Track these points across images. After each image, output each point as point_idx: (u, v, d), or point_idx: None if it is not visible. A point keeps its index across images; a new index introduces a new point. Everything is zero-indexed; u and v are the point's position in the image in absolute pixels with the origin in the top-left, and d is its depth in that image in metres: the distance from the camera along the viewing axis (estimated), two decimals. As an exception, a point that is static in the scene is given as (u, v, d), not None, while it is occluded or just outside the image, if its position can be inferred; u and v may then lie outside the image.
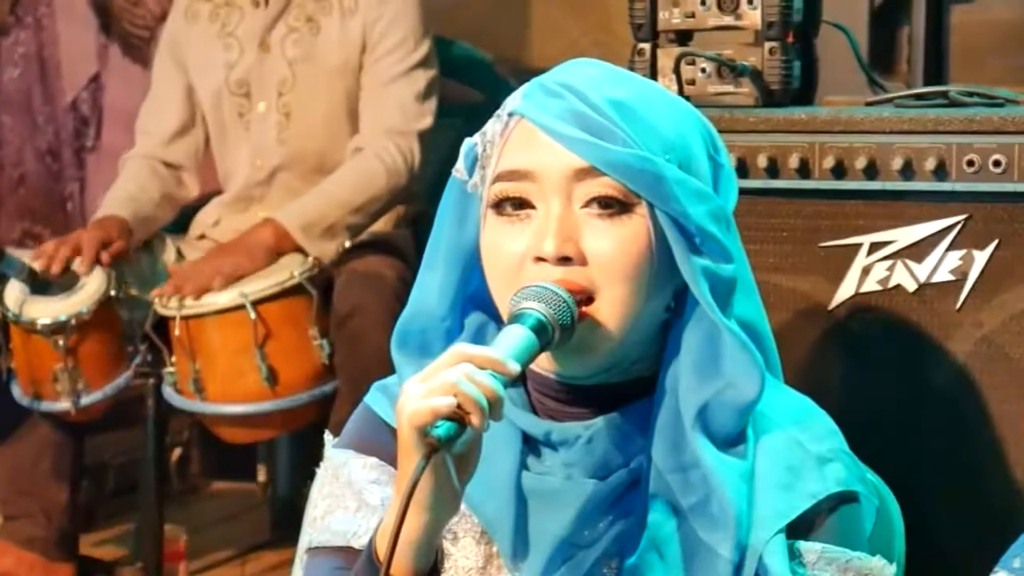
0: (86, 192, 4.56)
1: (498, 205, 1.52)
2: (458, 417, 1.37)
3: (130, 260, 3.54)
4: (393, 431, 1.57)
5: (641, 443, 1.54)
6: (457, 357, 1.41)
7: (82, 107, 4.55)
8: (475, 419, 1.38)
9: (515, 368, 1.42)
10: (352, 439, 1.63)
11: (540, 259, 1.49)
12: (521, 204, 1.52)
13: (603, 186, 1.49)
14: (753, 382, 1.52)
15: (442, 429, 1.37)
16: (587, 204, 1.50)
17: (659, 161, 1.50)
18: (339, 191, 3.45)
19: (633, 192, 1.49)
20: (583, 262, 1.49)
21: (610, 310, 1.49)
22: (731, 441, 1.52)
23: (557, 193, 1.50)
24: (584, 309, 1.49)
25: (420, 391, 1.39)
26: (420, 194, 3.58)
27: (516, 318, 1.46)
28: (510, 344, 1.44)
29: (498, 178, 1.53)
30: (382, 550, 1.44)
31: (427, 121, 3.52)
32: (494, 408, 1.39)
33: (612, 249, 1.49)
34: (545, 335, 1.45)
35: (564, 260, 1.49)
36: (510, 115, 1.54)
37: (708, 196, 1.53)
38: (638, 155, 1.49)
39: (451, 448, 1.38)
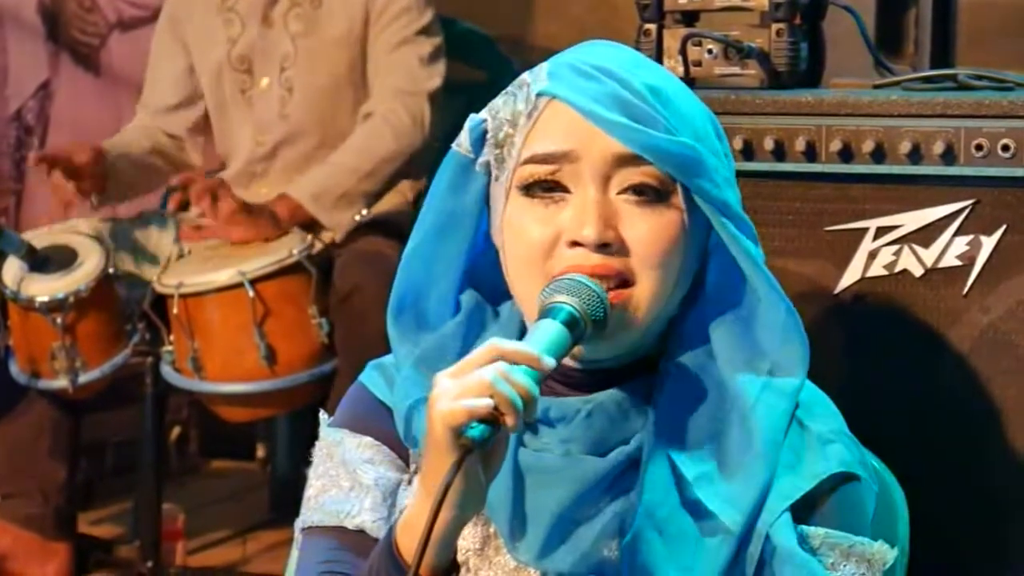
0: (23, 206, 4.46)
1: (528, 187, 1.51)
2: (493, 418, 1.36)
3: (128, 235, 3.53)
4: (387, 410, 1.58)
5: (640, 421, 1.53)
6: (492, 353, 1.39)
7: (27, 116, 4.45)
8: (510, 420, 1.37)
9: (550, 364, 1.41)
10: (347, 418, 1.62)
11: (576, 243, 1.48)
12: (553, 187, 1.50)
13: (642, 173, 1.49)
14: (800, 357, 1.52)
15: (477, 431, 1.35)
16: (624, 190, 1.49)
17: (699, 147, 1.50)
18: (347, 158, 3.45)
19: (671, 179, 1.49)
20: (622, 249, 1.49)
21: (644, 297, 1.49)
22: (779, 424, 1.51)
23: (595, 178, 1.49)
24: (617, 292, 1.48)
25: (454, 390, 1.37)
26: (423, 172, 3.57)
27: (548, 312, 1.45)
28: (543, 339, 1.43)
29: (530, 160, 1.51)
30: (403, 545, 1.44)
31: (436, 82, 3.52)
32: (529, 409, 1.38)
33: (651, 237, 1.49)
34: (577, 329, 1.45)
35: (602, 247, 1.48)
36: (538, 95, 1.52)
37: (734, 183, 1.54)
38: (681, 142, 1.49)
39: (484, 448, 1.37)
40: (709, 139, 1.53)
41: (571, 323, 1.44)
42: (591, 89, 1.50)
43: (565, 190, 1.50)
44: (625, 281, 1.49)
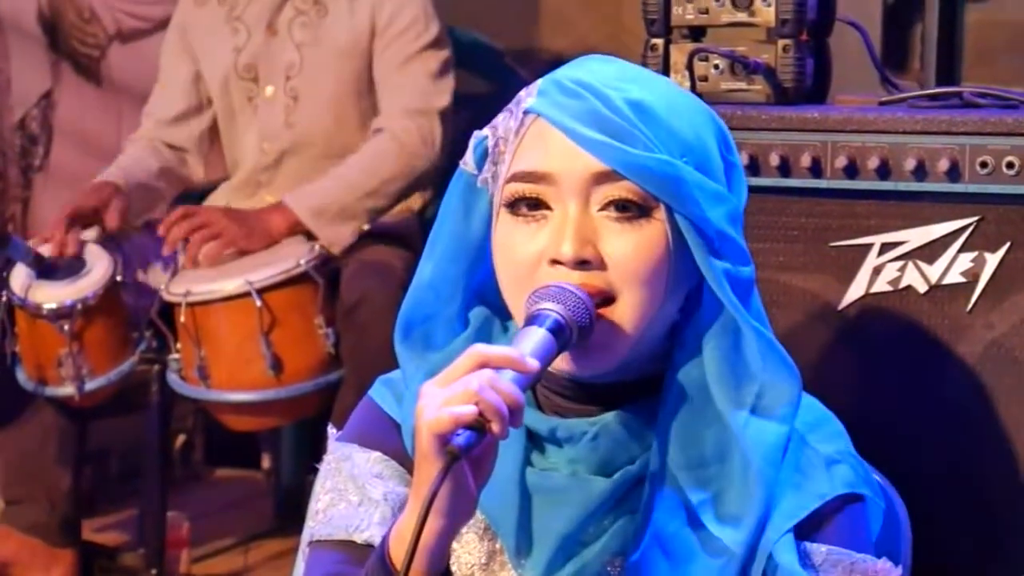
0: (29, 213, 4.46)
1: (513, 205, 1.51)
2: (479, 425, 1.36)
3: (136, 243, 3.54)
4: (396, 425, 1.58)
5: (647, 441, 1.53)
6: (475, 359, 1.39)
7: (31, 125, 4.45)
8: (496, 427, 1.37)
9: (534, 365, 1.41)
10: (356, 433, 1.62)
11: (556, 262, 1.48)
12: (537, 205, 1.50)
13: (622, 189, 1.48)
14: (789, 382, 1.51)
15: (463, 438, 1.35)
16: (605, 207, 1.49)
17: (678, 164, 1.49)
18: (350, 173, 3.45)
19: (652, 195, 1.48)
20: (601, 265, 1.48)
21: (628, 312, 1.48)
22: (776, 444, 1.51)
23: (575, 196, 1.49)
24: (601, 311, 1.48)
25: (440, 398, 1.37)
26: (430, 183, 3.58)
27: (533, 319, 1.45)
28: (528, 345, 1.42)
29: (513, 178, 1.51)
30: (395, 554, 1.44)
31: (446, 99, 3.51)
32: (515, 415, 1.38)
33: (630, 253, 1.48)
34: (563, 336, 1.44)
35: (582, 264, 1.47)
36: (525, 113, 1.52)
37: (725, 198, 1.52)
38: (658, 159, 1.48)
39: (470, 455, 1.37)
40: (703, 153, 1.52)
41: (556, 330, 1.44)
42: (572, 106, 1.49)
43: (548, 208, 1.50)
44: (607, 298, 1.48)
